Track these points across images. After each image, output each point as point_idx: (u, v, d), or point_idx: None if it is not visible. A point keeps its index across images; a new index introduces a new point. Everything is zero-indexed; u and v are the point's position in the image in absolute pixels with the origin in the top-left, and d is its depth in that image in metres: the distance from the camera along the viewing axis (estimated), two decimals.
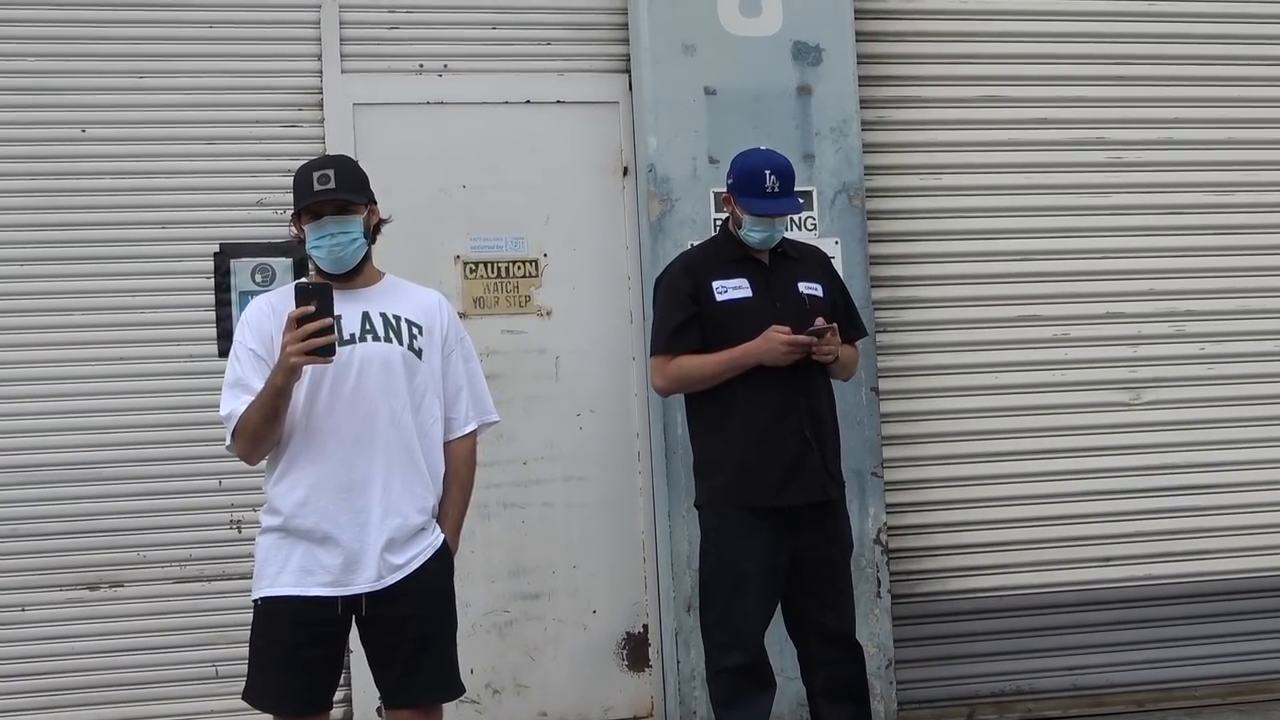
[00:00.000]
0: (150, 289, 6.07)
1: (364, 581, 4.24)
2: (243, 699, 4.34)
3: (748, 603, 5.16)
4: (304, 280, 4.29)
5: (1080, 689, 6.67)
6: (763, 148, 5.42)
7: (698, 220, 6.21)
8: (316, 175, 4.28)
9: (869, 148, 6.51)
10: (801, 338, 5.06)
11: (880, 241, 6.54)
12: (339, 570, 4.23)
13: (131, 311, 6.06)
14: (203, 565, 6.04)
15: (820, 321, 5.10)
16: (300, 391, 4.22)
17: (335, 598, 4.24)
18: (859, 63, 6.47)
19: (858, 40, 6.48)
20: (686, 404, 5.42)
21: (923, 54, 6.71)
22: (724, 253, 5.36)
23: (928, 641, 6.55)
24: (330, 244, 4.29)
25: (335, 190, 4.26)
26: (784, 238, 5.38)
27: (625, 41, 6.45)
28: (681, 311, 5.25)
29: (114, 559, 5.99)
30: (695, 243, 5.95)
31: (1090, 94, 6.86)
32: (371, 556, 4.24)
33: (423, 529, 4.35)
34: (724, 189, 5.91)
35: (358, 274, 4.39)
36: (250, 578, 4.39)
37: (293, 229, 4.43)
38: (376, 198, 4.45)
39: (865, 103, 6.51)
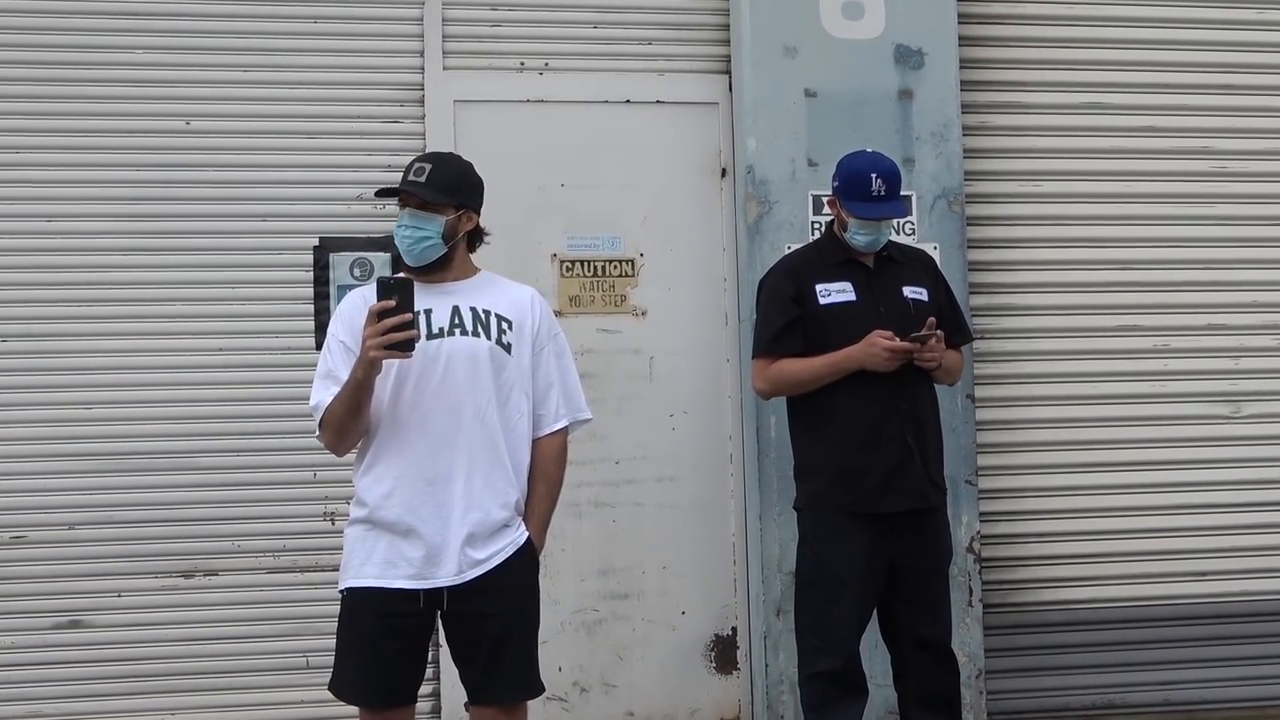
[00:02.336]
0: (250, 281, 6.13)
1: (445, 575, 4.27)
2: (328, 689, 4.39)
3: (843, 608, 5.14)
4: (386, 275, 4.32)
5: (1173, 704, 6.59)
6: (869, 150, 5.40)
7: (795, 223, 6.19)
8: (415, 166, 4.36)
9: (969, 153, 6.45)
10: (903, 344, 5.04)
11: (979, 248, 6.49)
12: (420, 563, 4.26)
13: (231, 303, 6.11)
14: (296, 556, 6.08)
15: (926, 328, 5.07)
16: (387, 384, 4.27)
17: (417, 590, 4.26)
18: (961, 67, 6.42)
19: (960, 44, 6.42)
20: (787, 407, 5.41)
21: (1026, 59, 6.65)
22: (828, 256, 5.35)
23: (1019, 652, 6.49)
24: (403, 235, 4.35)
25: (421, 185, 4.32)
26: (890, 241, 5.36)
27: (726, 43, 6.44)
28: (784, 314, 5.24)
29: (209, 548, 6.05)
30: (792, 245, 5.94)
31: (1196, 103, 6.78)
32: (452, 550, 4.26)
33: (506, 525, 4.36)
34: (822, 192, 5.94)
35: (449, 269, 4.42)
36: None
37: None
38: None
39: (967, 107, 6.46)
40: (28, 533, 5.94)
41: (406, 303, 4.11)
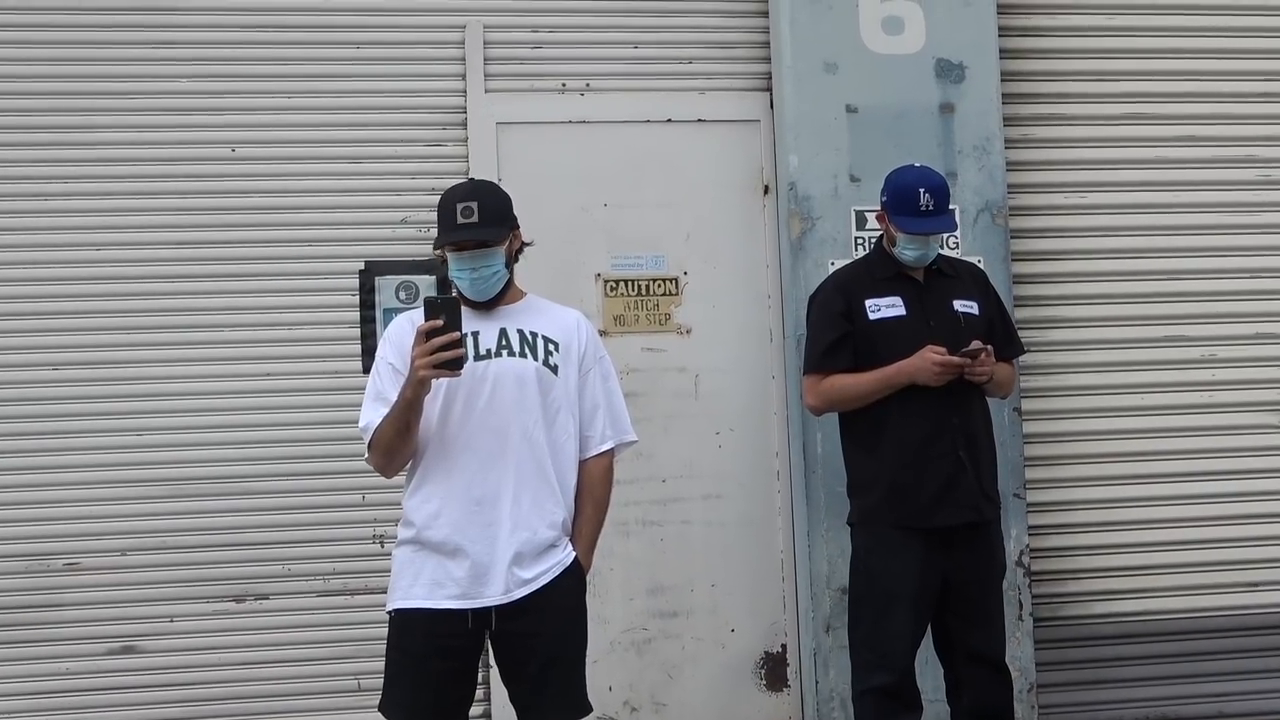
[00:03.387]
0: (296, 306, 6.16)
1: (492, 594, 4.27)
2: (378, 710, 4.40)
3: (896, 623, 5.14)
4: (433, 295, 4.32)
5: (1227, 716, 6.54)
6: (916, 164, 5.41)
7: (838, 239, 6.18)
8: (460, 208, 4.30)
9: (1012, 166, 6.44)
10: (954, 359, 5.04)
11: (1024, 261, 6.47)
12: (467, 583, 4.27)
13: (278, 328, 6.14)
14: (346, 579, 6.10)
15: (976, 343, 5.07)
16: (435, 405, 4.28)
17: (465, 610, 4.27)
18: (1002, 80, 6.41)
19: (1001, 57, 6.41)
20: (840, 423, 5.43)
21: (1067, 71, 6.63)
22: (877, 270, 5.37)
23: (1070, 666, 6.46)
24: (472, 277, 4.34)
25: (478, 226, 4.29)
26: (940, 255, 5.37)
27: (767, 60, 6.44)
28: (833, 330, 5.26)
29: (260, 572, 6.07)
30: (836, 261, 5.95)
31: (1238, 111, 6.75)
32: (500, 570, 4.27)
33: (553, 545, 4.37)
34: (865, 207, 5.99)
35: (501, 294, 4.43)
36: None
37: (436, 251, 4.48)
38: (519, 219, 4.48)
39: (1009, 120, 6.44)
40: (81, 559, 5.97)
41: (454, 322, 4.13)
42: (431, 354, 4.09)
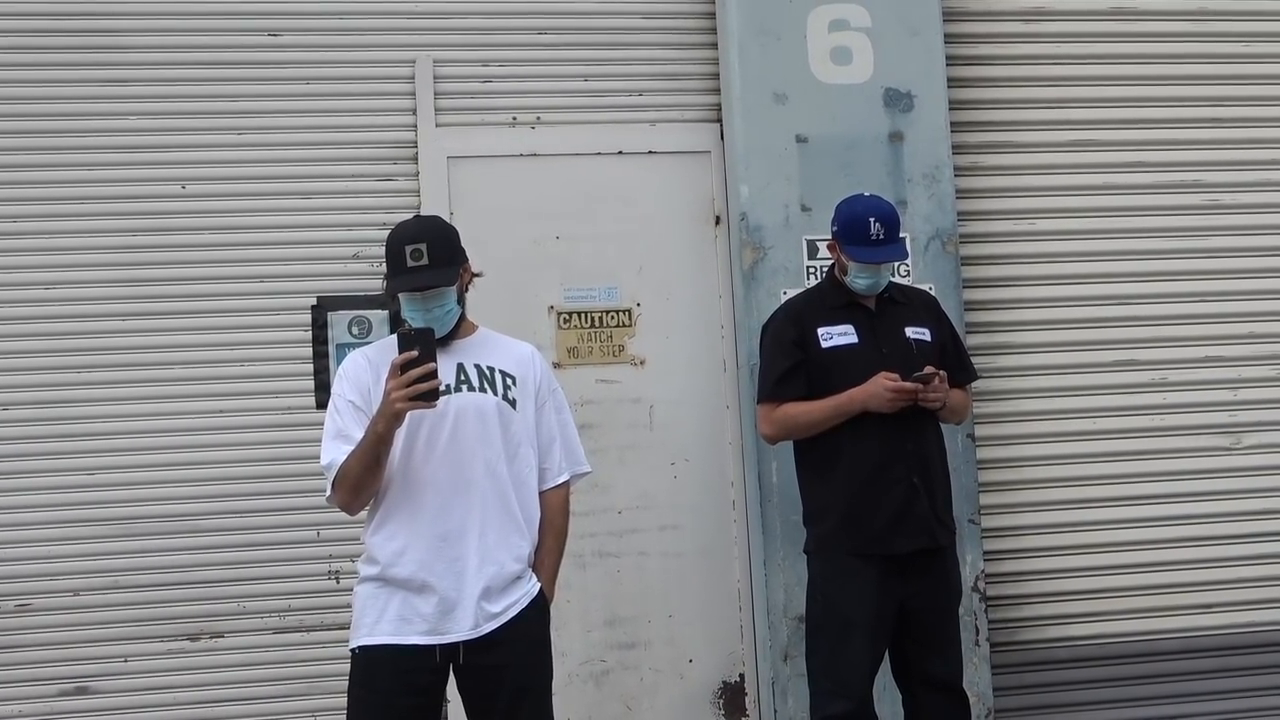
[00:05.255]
0: (248, 342, 6.13)
1: (461, 629, 4.27)
2: None
3: (853, 650, 5.14)
4: (406, 327, 4.32)
5: None
6: (866, 194, 5.44)
7: (790, 268, 6.20)
8: (409, 251, 4.28)
9: (962, 193, 6.48)
10: (907, 385, 5.06)
11: (974, 287, 6.51)
12: (435, 618, 4.27)
13: (231, 365, 6.10)
14: (302, 615, 6.06)
15: (929, 368, 5.10)
16: (397, 442, 4.27)
17: (433, 646, 4.27)
18: (951, 109, 6.45)
19: (949, 86, 6.46)
20: (795, 451, 5.44)
21: (1016, 99, 6.68)
22: (829, 299, 5.39)
23: (1027, 690, 6.47)
24: (426, 318, 4.34)
25: (428, 269, 4.28)
26: (891, 282, 5.40)
27: (716, 91, 6.47)
28: (786, 359, 5.28)
29: (214, 610, 6.02)
30: (788, 291, 5.98)
31: (1186, 137, 6.81)
32: (469, 605, 4.27)
33: (519, 577, 4.38)
34: (816, 236, 6.00)
35: (455, 329, 4.43)
36: (349, 628, 4.43)
37: (386, 290, 4.47)
38: (470, 252, 4.49)
39: (958, 148, 6.49)
40: (33, 600, 5.91)
41: (429, 353, 4.13)
42: (408, 386, 4.08)
